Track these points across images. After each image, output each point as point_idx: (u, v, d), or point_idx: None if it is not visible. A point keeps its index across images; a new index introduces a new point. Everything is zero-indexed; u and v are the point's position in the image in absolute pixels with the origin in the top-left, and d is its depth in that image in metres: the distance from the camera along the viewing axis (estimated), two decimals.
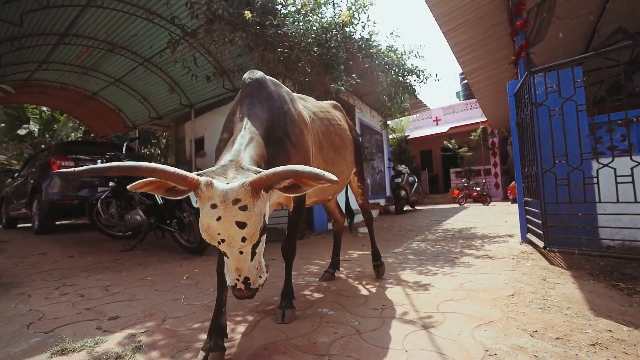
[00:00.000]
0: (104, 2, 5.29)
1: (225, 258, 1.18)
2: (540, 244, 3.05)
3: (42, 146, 13.40)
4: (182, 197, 3.32)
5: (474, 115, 14.74)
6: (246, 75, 1.72)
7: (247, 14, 3.75)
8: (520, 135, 3.62)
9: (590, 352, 1.41)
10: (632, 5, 4.74)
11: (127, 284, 2.62)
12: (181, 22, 5.37)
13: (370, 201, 9.36)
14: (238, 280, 1.15)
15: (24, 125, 16.30)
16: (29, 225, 7.91)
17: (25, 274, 2.97)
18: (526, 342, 1.47)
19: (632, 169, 2.41)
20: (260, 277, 1.21)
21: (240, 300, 2.14)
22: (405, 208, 9.82)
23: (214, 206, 1.07)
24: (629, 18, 5.21)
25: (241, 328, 1.72)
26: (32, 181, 6.39)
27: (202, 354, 1.34)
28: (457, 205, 11.31)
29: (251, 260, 1.16)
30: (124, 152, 4.65)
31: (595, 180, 2.65)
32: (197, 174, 1.14)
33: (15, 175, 7.90)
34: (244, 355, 1.42)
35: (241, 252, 1.13)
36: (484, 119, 12.37)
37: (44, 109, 15.91)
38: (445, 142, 14.50)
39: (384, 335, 1.57)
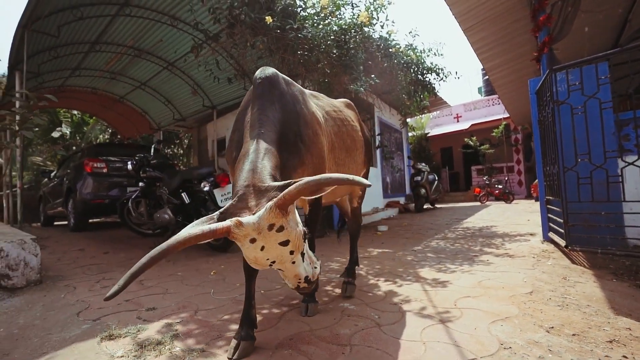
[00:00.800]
0: (132, 10, 5.56)
1: (279, 271, 1.21)
2: (562, 242, 3.03)
3: (74, 148, 14.09)
4: (207, 197, 3.45)
5: (496, 111, 14.39)
6: (258, 74, 1.63)
7: (268, 19, 3.87)
8: (542, 134, 3.58)
9: (606, 348, 1.44)
10: None
11: (160, 278, 2.80)
12: (204, 27, 5.58)
13: (390, 199, 9.37)
14: (300, 282, 1.21)
15: (57, 129, 17.22)
16: (64, 223, 8.40)
17: (68, 268, 3.22)
18: (541, 337, 1.52)
19: None
20: (315, 267, 1.28)
21: (268, 295, 2.28)
22: (425, 206, 9.76)
23: (253, 240, 1.07)
24: None
25: (268, 320, 1.84)
26: (67, 182, 6.79)
27: (234, 342, 1.46)
28: (478, 204, 11.12)
29: (303, 261, 1.22)
30: (152, 154, 4.90)
31: (619, 178, 2.61)
32: (221, 213, 1.14)
33: (52, 176, 8.40)
34: (272, 344, 1.54)
35: (293, 262, 1.18)
36: (507, 115, 12.07)
37: (75, 112, 16.72)
38: (466, 139, 14.24)
39: (403, 328, 1.65)
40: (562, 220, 2.98)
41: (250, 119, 1.53)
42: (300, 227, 1.16)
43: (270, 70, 1.64)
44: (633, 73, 2.77)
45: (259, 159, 1.31)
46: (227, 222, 1.05)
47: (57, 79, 7.92)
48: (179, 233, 1.01)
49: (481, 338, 1.51)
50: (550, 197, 3.50)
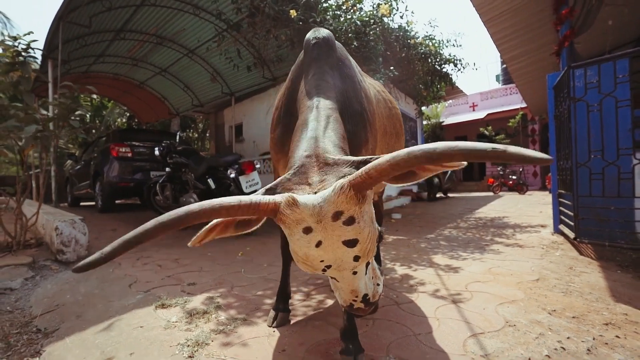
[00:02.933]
0: (157, 0, 5.73)
1: (331, 279, 0.97)
2: (572, 235, 3.16)
3: (93, 131, 14.54)
4: (232, 184, 3.61)
5: (514, 100, 14.16)
6: (310, 35, 1.39)
7: (293, 12, 3.99)
8: (558, 129, 3.66)
9: (602, 329, 1.62)
10: None
11: (193, 258, 3.07)
12: (226, 16, 5.72)
13: (403, 188, 9.50)
14: (355, 301, 0.95)
15: (77, 112, 17.75)
16: (90, 203, 8.84)
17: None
18: (544, 318, 1.70)
19: None
20: (378, 284, 1.01)
21: (295, 274, 2.45)
22: (437, 195, 9.86)
23: (307, 230, 0.80)
24: None
25: (298, 296, 2.07)
26: (94, 165, 7.15)
27: (272, 313, 1.68)
28: (491, 194, 11.14)
29: (366, 274, 0.95)
30: (177, 141, 5.15)
31: (630, 175, 2.71)
32: (268, 189, 0.91)
33: (78, 158, 8.79)
34: (305, 316, 1.76)
35: (355, 273, 0.90)
36: (524, 105, 11.89)
37: (94, 96, 17.15)
38: (481, 128, 14.11)
39: (419, 306, 1.86)
40: (572, 214, 3.10)
41: (304, 86, 1.27)
42: (376, 226, 0.88)
43: (324, 32, 1.40)
44: None
45: (321, 127, 1.06)
46: (277, 197, 0.81)
47: (83, 66, 8.21)
48: (208, 200, 0.79)
49: (489, 317, 1.71)
50: (563, 191, 3.61)
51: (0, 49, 2.78)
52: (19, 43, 2.97)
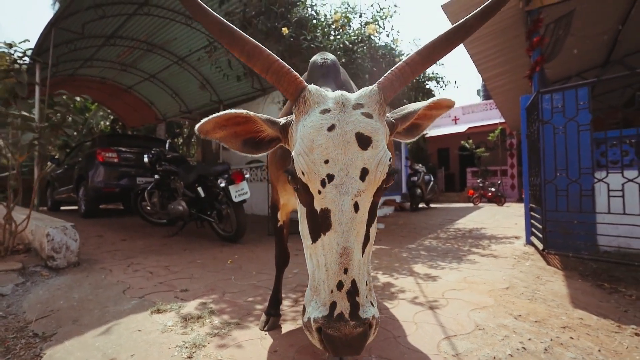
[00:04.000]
0: (150, 9, 5.82)
1: (312, 241, 0.79)
2: (541, 246, 3.41)
3: (75, 134, 14.23)
4: (221, 193, 3.68)
5: (493, 115, 14.76)
6: (318, 57, 1.43)
7: (285, 30, 4.16)
8: (529, 147, 3.94)
9: (559, 332, 1.82)
10: None
11: (183, 265, 3.14)
12: None
13: (386, 198, 9.75)
14: (340, 287, 0.70)
15: (58, 114, 17.35)
16: (72, 208, 8.69)
17: (96, 253, 3.55)
18: (509, 322, 1.89)
19: (623, 184, 2.74)
20: (371, 303, 0.74)
21: (283, 282, 2.56)
22: (420, 205, 10.16)
23: (325, 111, 0.79)
24: (636, 33, 5.36)
25: (287, 302, 2.19)
26: (78, 169, 7.07)
27: (264, 317, 1.81)
28: (471, 205, 11.54)
29: (362, 251, 0.76)
30: (167, 149, 5.21)
31: (590, 192, 2.98)
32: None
33: (60, 162, 8.64)
34: (295, 320, 1.89)
35: (356, 209, 0.74)
36: (503, 120, 12.45)
37: (77, 98, 16.83)
38: (462, 141, 14.63)
39: (399, 312, 2.02)
40: (541, 227, 3.36)
41: None
42: (390, 160, 0.81)
43: (331, 55, 1.47)
44: (623, 87, 3.12)
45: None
46: (304, 83, 0.84)
47: (69, 69, 8.14)
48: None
49: (461, 321, 1.88)
50: (534, 205, 3.88)
51: None
52: (15, 51, 3.03)
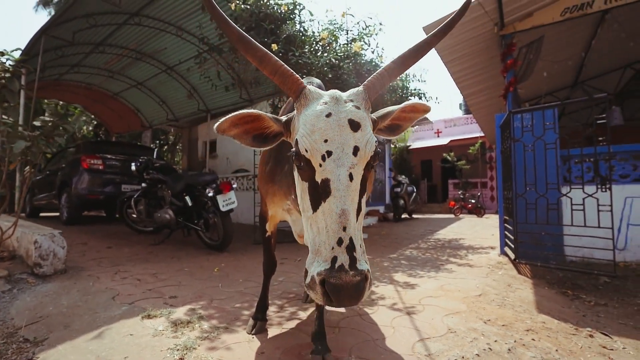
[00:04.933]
0: (141, 20, 5.90)
1: (313, 211, 0.93)
2: (513, 256, 3.63)
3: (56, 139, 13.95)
4: (209, 202, 3.76)
5: (474, 129, 15.30)
6: (305, 80, 1.48)
7: (274, 46, 4.34)
8: (503, 162, 4.20)
9: (523, 334, 2.00)
10: (611, 47, 5.35)
11: (170, 272, 3.20)
12: (210, 40, 5.98)
13: (370, 208, 9.95)
14: (340, 243, 0.84)
15: (40, 117, 16.93)
16: (51, 214, 8.50)
17: (82, 260, 3.55)
18: (479, 326, 2.06)
19: (583, 199, 3.00)
20: (365, 262, 0.87)
21: (271, 289, 2.69)
22: (403, 216, 10.39)
23: (323, 103, 0.97)
24: (602, 58, 5.83)
25: (273, 308, 2.30)
26: (61, 176, 6.96)
27: (252, 321, 1.91)
28: (452, 216, 11.87)
29: (357, 212, 0.92)
30: (155, 156, 5.25)
31: (556, 206, 3.23)
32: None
33: (41, 168, 8.47)
34: (280, 325, 2.01)
35: (351, 178, 0.91)
36: (483, 134, 12.95)
37: (60, 102, 16.53)
38: (445, 154, 15.08)
39: (378, 317, 2.16)
40: (513, 237, 3.58)
41: None
42: (375, 142, 0.99)
43: (317, 80, 1.63)
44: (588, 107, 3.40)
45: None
46: (304, 83, 1.04)
47: (55, 74, 8.07)
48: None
49: (435, 325, 2.04)
50: (507, 217, 4.12)
51: None
52: (7, 59, 3.08)
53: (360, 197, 0.95)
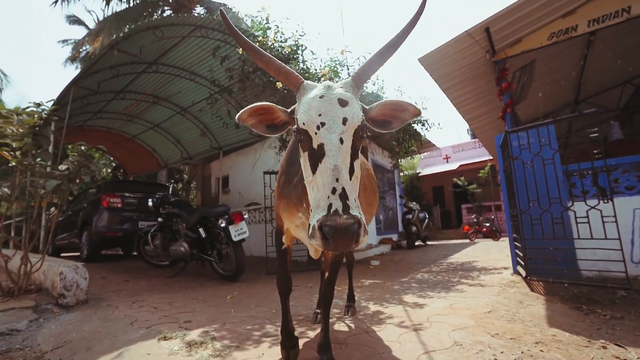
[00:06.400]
0: (158, 67, 6.44)
1: (313, 174, 1.11)
2: (524, 273, 3.61)
3: (77, 181, 14.59)
4: (221, 233, 3.91)
5: (482, 153, 15.34)
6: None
7: (279, 84, 4.67)
8: (506, 181, 4.28)
9: (531, 346, 2.00)
10: (603, 66, 5.52)
11: (185, 301, 3.30)
12: (220, 82, 6.45)
13: (383, 236, 9.90)
14: (334, 192, 1.00)
15: (66, 160, 17.86)
16: (72, 254, 8.77)
17: (101, 292, 3.70)
18: (486, 339, 2.07)
19: (586, 212, 3.03)
20: (359, 213, 1.01)
21: (278, 313, 2.76)
22: (416, 243, 10.27)
23: (317, 90, 1.20)
24: (599, 76, 5.99)
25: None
26: (82, 215, 7.29)
27: (283, 352, 1.78)
28: (467, 241, 11.65)
29: (350, 173, 1.09)
30: (170, 192, 5.52)
31: (560, 220, 3.25)
32: None
33: (64, 209, 8.88)
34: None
35: (342, 142, 1.10)
36: (491, 157, 12.98)
37: (82, 147, 17.44)
38: (455, 179, 15.07)
39: (385, 334, 2.20)
40: (522, 254, 3.58)
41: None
42: (361, 115, 1.18)
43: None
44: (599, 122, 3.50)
45: None
46: (302, 79, 1.27)
47: (80, 121, 8.70)
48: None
49: (441, 339, 2.06)
50: (516, 235, 4.12)
51: (25, 115, 3.22)
52: (42, 110, 3.44)
53: (352, 159, 1.13)
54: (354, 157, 1.14)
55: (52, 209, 9.18)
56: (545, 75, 5.38)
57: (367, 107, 1.34)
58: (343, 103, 1.15)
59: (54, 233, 8.87)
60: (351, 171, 1.10)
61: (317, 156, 1.11)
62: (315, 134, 1.12)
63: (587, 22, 4.30)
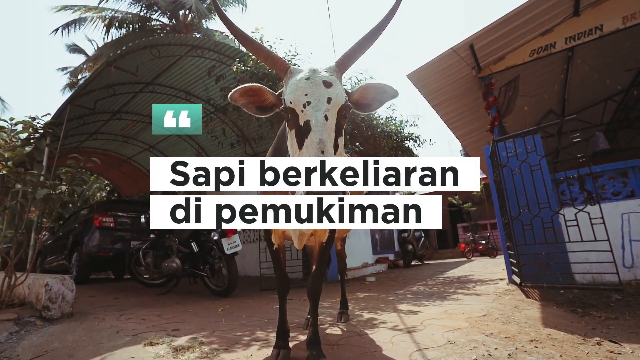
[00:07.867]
0: (155, 88, 6.58)
1: (300, 149, 1.22)
2: (519, 280, 3.58)
3: (70, 205, 14.42)
4: (214, 246, 3.85)
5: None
6: None
7: None
8: (497, 190, 4.32)
9: (525, 343, 1.97)
10: (584, 82, 5.75)
11: (175, 313, 3.22)
12: (215, 102, 6.58)
13: (379, 256, 9.79)
14: (321, 149, 1.16)
15: (60, 169, 17.71)
16: None
17: (89, 307, 3.58)
18: (480, 338, 2.04)
19: (575, 214, 3.06)
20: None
21: (271, 316, 2.68)
22: (413, 262, 10.16)
23: (304, 73, 1.30)
24: (581, 92, 6.21)
25: (273, 334, 2.31)
26: (73, 236, 7.16)
27: (274, 351, 1.74)
28: (464, 259, 11.55)
29: (335, 148, 1.22)
30: None
31: (550, 224, 3.28)
32: None
33: (53, 231, 8.72)
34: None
35: (326, 118, 1.21)
36: (485, 175, 13.11)
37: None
38: (449, 197, 15.13)
39: (378, 336, 2.15)
40: (515, 261, 3.57)
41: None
42: (345, 96, 1.30)
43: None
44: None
45: None
46: (289, 64, 1.37)
47: (75, 142, 8.72)
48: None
49: (435, 339, 2.02)
50: (509, 244, 4.12)
51: (21, 127, 3.26)
52: (38, 123, 3.48)
53: (337, 137, 1.24)
54: (338, 134, 1.24)
55: (43, 233, 9.06)
56: (530, 90, 5.57)
57: (350, 90, 1.43)
58: (327, 84, 1.26)
59: (43, 256, 8.72)
60: (335, 147, 1.20)
61: (303, 132, 1.20)
62: (302, 111, 1.22)
63: (564, 39, 4.52)
